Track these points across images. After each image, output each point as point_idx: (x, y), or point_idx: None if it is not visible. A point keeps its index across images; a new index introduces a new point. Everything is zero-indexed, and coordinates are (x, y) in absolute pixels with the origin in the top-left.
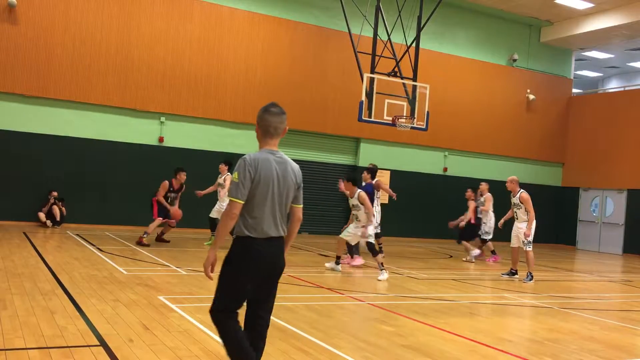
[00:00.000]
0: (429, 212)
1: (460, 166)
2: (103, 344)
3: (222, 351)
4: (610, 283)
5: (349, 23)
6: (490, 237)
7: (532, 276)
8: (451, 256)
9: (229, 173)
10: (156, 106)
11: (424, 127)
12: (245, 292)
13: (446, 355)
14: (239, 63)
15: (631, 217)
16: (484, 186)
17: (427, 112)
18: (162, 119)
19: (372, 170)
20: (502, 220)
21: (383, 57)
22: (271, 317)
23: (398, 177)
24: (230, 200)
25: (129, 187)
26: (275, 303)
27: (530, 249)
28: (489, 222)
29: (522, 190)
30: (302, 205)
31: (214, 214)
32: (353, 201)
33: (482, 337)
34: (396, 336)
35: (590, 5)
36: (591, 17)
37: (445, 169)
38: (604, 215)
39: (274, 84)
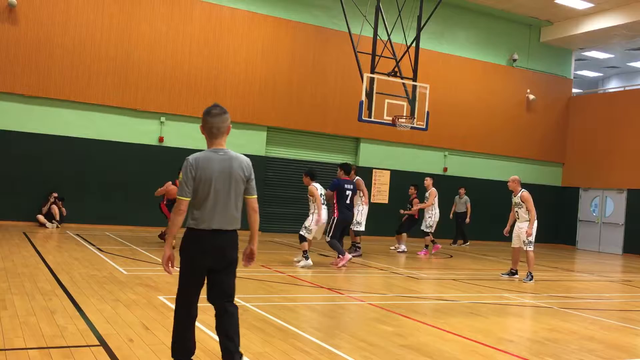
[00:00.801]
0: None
1: (460, 166)
2: (103, 344)
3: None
4: (611, 283)
5: (349, 23)
6: (431, 230)
7: (532, 276)
8: (451, 256)
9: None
10: (156, 106)
11: (424, 127)
12: (196, 281)
13: (446, 356)
14: (239, 63)
15: (631, 217)
16: (428, 181)
17: (427, 112)
18: (162, 119)
19: (344, 166)
20: (507, 227)
21: (383, 57)
22: (265, 314)
23: (398, 177)
24: (177, 198)
25: (129, 187)
26: (275, 303)
27: (531, 249)
28: (433, 216)
29: (523, 189)
30: (255, 196)
31: None
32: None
33: (482, 337)
34: (396, 336)
35: (590, 5)
36: (591, 17)
37: (445, 169)
38: (604, 215)
39: (274, 84)
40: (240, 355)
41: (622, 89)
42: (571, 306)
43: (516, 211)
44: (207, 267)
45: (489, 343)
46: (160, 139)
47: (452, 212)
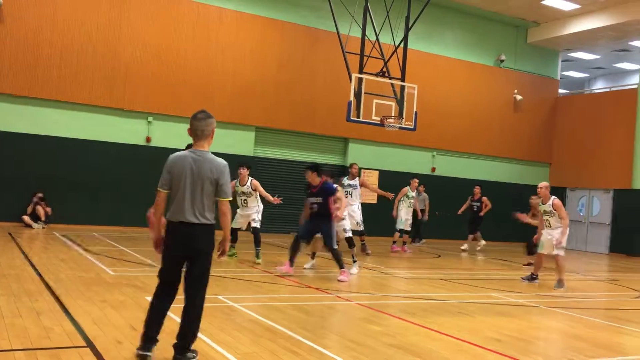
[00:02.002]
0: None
1: (448, 166)
2: (90, 345)
3: (211, 352)
4: (597, 282)
5: (338, 23)
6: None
7: (563, 283)
8: (439, 255)
9: (250, 178)
10: (144, 106)
11: (412, 127)
12: (170, 267)
13: (434, 355)
14: (227, 63)
15: (617, 216)
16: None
17: (415, 112)
18: (150, 118)
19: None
20: (538, 235)
21: (371, 57)
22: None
23: (387, 177)
24: (157, 190)
25: (117, 187)
26: (264, 303)
27: (563, 254)
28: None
29: (554, 197)
30: (224, 199)
31: (236, 224)
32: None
33: (470, 337)
34: (384, 336)
35: (576, 6)
36: (577, 18)
37: (433, 169)
38: (590, 215)
39: (263, 84)
40: (185, 350)
41: (608, 89)
42: (558, 305)
43: (547, 219)
44: (180, 256)
45: (477, 342)
46: (148, 139)
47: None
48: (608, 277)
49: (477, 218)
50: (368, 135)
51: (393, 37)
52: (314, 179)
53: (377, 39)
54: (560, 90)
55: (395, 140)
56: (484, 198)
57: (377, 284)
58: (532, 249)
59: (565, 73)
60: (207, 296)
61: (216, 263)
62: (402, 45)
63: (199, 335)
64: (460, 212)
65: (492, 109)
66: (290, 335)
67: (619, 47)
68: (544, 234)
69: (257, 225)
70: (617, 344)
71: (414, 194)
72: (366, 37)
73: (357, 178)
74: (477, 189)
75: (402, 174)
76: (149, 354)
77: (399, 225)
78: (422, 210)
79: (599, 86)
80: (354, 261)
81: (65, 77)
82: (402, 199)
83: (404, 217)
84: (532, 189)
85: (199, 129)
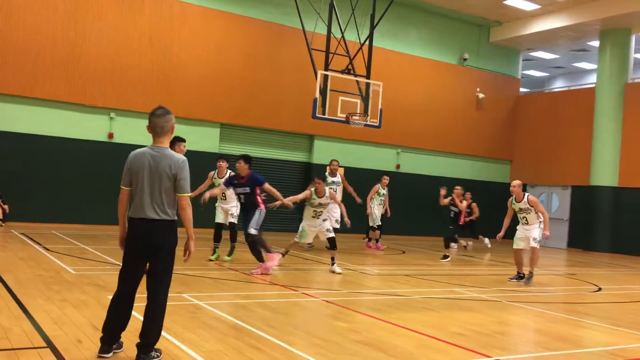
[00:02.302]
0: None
1: (412, 163)
2: (50, 345)
3: (175, 350)
4: (556, 276)
5: (303, 20)
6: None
7: (532, 275)
8: (404, 252)
9: (229, 171)
10: (105, 101)
11: (377, 124)
12: (131, 264)
13: (399, 350)
14: (191, 59)
15: (575, 212)
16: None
17: (380, 109)
18: (112, 114)
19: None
20: (502, 232)
21: (337, 54)
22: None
23: (352, 174)
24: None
25: (77, 184)
26: (229, 301)
27: (538, 246)
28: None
29: (528, 193)
30: (184, 195)
31: (219, 219)
32: (323, 200)
33: (434, 331)
34: (350, 332)
35: (537, 6)
36: (538, 18)
37: (398, 166)
38: (549, 211)
39: (227, 80)
40: (149, 349)
41: (567, 88)
42: (519, 299)
43: (523, 217)
44: (140, 252)
45: (440, 337)
46: (110, 135)
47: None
48: (567, 271)
49: (471, 222)
50: (333, 132)
51: (358, 34)
52: (243, 169)
53: (343, 36)
54: (521, 89)
55: (361, 137)
56: (473, 205)
57: (343, 280)
58: (449, 242)
59: (526, 72)
60: (171, 295)
61: (181, 261)
62: (367, 42)
63: (164, 334)
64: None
65: (455, 107)
66: (256, 333)
67: (578, 47)
68: (519, 230)
69: (234, 220)
70: (576, 337)
71: (384, 191)
72: (332, 34)
73: (339, 174)
74: (466, 194)
75: (367, 170)
76: (107, 355)
77: (377, 222)
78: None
79: (559, 85)
80: (333, 263)
81: (23, 71)
82: (373, 196)
83: (377, 214)
84: (494, 186)
85: (158, 126)
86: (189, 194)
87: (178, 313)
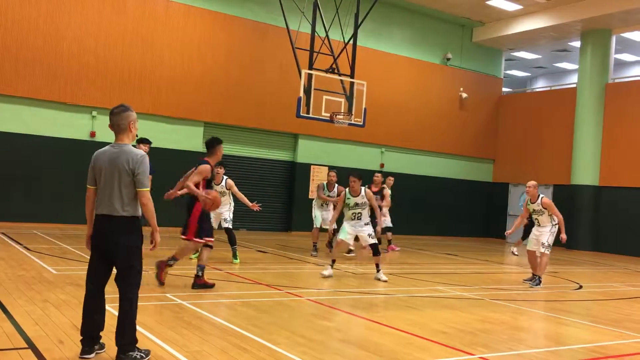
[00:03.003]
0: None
1: (397, 162)
2: (32, 346)
3: (158, 350)
4: None
5: (287, 19)
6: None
7: (540, 280)
8: (387, 251)
9: (225, 177)
10: (88, 100)
11: (361, 123)
12: (95, 262)
13: (383, 349)
14: (174, 57)
15: None
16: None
17: (365, 108)
18: (94, 113)
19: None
20: (512, 230)
21: (321, 53)
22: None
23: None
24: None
25: (59, 183)
26: (213, 301)
27: (548, 252)
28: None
29: (542, 195)
30: (142, 189)
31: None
32: (358, 199)
33: (417, 330)
34: (334, 331)
35: (519, 7)
36: (520, 18)
37: (382, 165)
38: None
39: (211, 79)
40: (127, 348)
41: (548, 88)
42: (501, 297)
43: (536, 218)
44: (102, 249)
45: (423, 335)
46: (92, 134)
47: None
48: (548, 270)
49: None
50: (317, 132)
51: (342, 34)
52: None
53: (327, 35)
54: (504, 89)
55: (345, 136)
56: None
57: (327, 279)
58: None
59: (508, 72)
60: (155, 294)
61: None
62: (351, 42)
63: (147, 334)
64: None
65: (439, 106)
66: (240, 333)
67: (559, 47)
68: (533, 231)
69: (229, 225)
70: (556, 334)
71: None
72: (316, 34)
73: (337, 186)
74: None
75: (351, 169)
76: (89, 356)
77: (387, 224)
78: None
79: (540, 85)
80: (378, 270)
81: (3, 69)
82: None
83: (387, 215)
84: (477, 185)
85: (115, 124)
86: (148, 189)
87: (161, 313)
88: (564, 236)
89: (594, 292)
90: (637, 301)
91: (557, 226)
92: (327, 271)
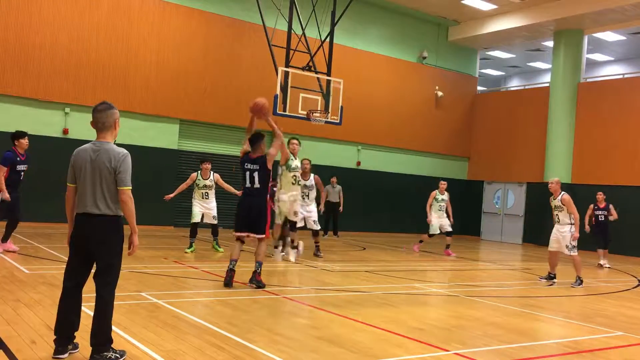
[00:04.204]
0: (343, 205)
1: (373, 160)
2: (3, 346)
3: (134, 350)
4: (511, 271)
5: (264, 16)
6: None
7: (581, 281)
8: (364, 248)
9: (212, 172)
10: (60, 96)
11: (337, 121)
12: (74, 260)
13: (359, 346)
14: (149, 53)
15: (530, 208)
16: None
17: (341, 106)
18: (67, 109)
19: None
20: (586, 228)
21: (298, 51)
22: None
23: (313, 171)
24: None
25: (31, 181)
26: (189, 299)
27: (576, 253)
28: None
29: (563, 192)
30: (124, 188)
31: (198, 218)
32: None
33: (393, 327)
34: (310, 328)
35: (494, 6)
36: (495, 18)
37: (358, 163)
38: (505, 207)
39: (187, 76)
40: (101, 349)
41: (522, 87)
42: (476, 294)
43: (556, 214)
44: (82, 248)
45: (400, 332)
46: (65, 131)
47: (323, 202)
48: (522, 266)
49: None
50: (294, 129)
51: (319, 31)
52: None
53: (304, 33)
54: (479, 88)
55: (321, 134)
56: (611, 206)
57: (303, 277)
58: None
59: (483, 71)
60: (130, 293)
61: (139, 259)
62: (328, 40)
63: (122, 333)
64: (586, 225)
65: (415, 104)
66: (216, 331)
67: (533, 47)
68: (553, 231)
69: (216, 222)
70: (530, 330)
71: (443, 196)
72: (292, 31)
73: (312, 175)
74: (600, 195)
75: (327, 167)
76: (62, 356)
77: (434, 231)
78: (337, 203)
79: (514, 84)
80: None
81: None
82: (432, 203)
83: (435, 220)
84: (452, 183)
85: (99, 121)
86: (130, 187)
87: (136, 312)
88: (576, 235)
89: (566, 288)
90: (609, 297)
91: (573, 226)
92: (292, 255)
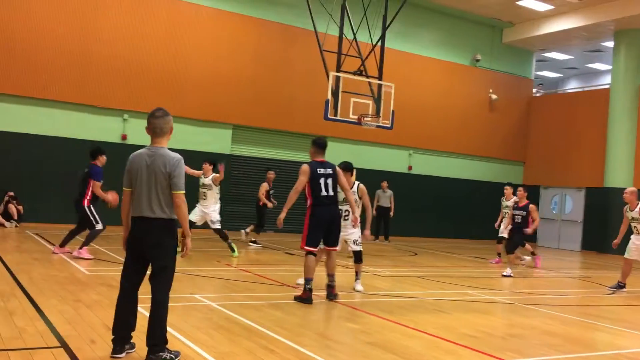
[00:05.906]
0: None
1: (424, 165)
2: (64, 345)
3: (187, 351)
4: (569, 279)
5: (315, 21)
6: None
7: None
8: (416, 254)
9: (214, 173)
10: (118, 103)
11: (389, 125)
12: (130, 263)
13: (410, 352)
14: (203, 60)
15: (589, 214)
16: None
17: (392, 110)
18: (125, 116)
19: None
20: (617, 240)
21: (349, 55)
22: (230, 313)
23: (363, 176)
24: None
25: None
26: (241, 302)
27: None
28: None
29: None
30: (178, 192)
31: (193, 217)
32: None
33: (445, 333)
34: (361, 333)
35: (550, 7)
36: (551, 19)
37: (410, 168)
38: (563, 213)
39: (240, 82)
40: (157, 349)
41: (580, 89)
42: (532, 302)
43: (635, 226)
44: (138, 251)
45: (451, 339)
46: (124, 137)
47: (374, 207)
48: (580, 274)
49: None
50: (345, 134)
51: (370, 35)
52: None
53: (355, 37)
54: (534, 90)
55: (372, 138)
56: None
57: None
58: (512, 247)
59: (539, 73)
60: (183, 295)
61: (191, 262)
62: (379, 44)
63: (177, 335)
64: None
65: (468, 108)
66: (268, 334)
67: (592, 48)
68: (632, 240)
69: (218, 226)
70: (589, 340)
71: (508, 203)
72: (344, 36)
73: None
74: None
75: (378, 172)
76: (119, 356)
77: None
78: (389, 208)
79: (572, 86)
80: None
81: (37, 73)
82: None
83: (502, 227)
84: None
85: (157, 127)
86: (184, 191)
87: (190, 314)
88: None
89: (627, 297)
90: None
91: None
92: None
